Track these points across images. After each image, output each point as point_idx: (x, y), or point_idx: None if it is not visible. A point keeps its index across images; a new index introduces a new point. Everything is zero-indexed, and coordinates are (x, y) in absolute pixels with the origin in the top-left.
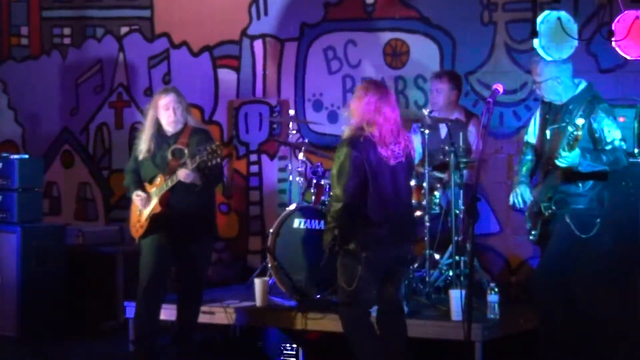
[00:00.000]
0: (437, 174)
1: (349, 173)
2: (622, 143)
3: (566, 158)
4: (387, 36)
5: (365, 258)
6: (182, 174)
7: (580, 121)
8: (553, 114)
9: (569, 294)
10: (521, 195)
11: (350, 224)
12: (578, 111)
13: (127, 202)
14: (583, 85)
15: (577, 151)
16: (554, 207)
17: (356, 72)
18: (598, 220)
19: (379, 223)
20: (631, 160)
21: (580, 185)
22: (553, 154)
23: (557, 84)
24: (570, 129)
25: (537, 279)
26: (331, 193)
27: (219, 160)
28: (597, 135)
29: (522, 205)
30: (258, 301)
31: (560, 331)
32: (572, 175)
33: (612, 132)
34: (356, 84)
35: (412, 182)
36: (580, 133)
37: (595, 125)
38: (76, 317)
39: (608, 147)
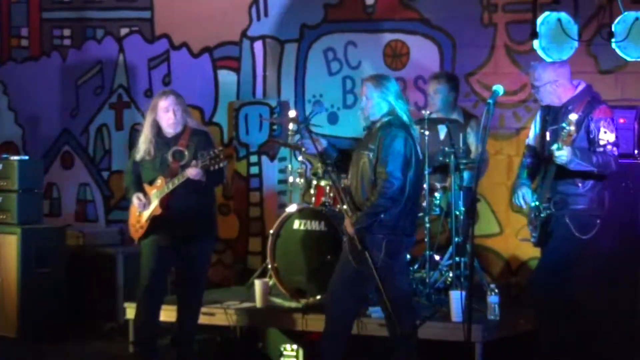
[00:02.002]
0: (437, 184)
1: (409, 161)
2: (614, 149)
3: (560, 157)
4: (387, 37)
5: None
6: (192, 172)
7: (573, 116)
8: (553, 115)
9: (569, 295)
10: (523, 197)
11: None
12: (577, 112)
13: (127, 204)
14: (582, 86)
15: (569, 148)
16: (553, 209)
17: (356, 73)
18: (598, 221)
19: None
20: (631, 161)
21: (580, 185)
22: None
23: (556, 87)
24: (564, 124)
25: (536, 280)
26: (372, 179)
27: (221, 165)
28: (591, 136)
29: (524, 206)
30: (258, 302)
31: (560, 332)
32: (566, 172)
33: (606, 135)
34: (356, 85)
35: None
36: (572, 128)
37: (592, 126)
38: (76, 318)
39: (600, 150)
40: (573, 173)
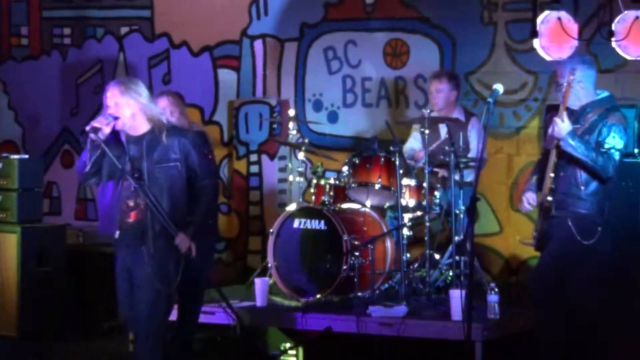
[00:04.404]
0: (435, 169)
1: None
2: (617, 155)
3: (560, 131)
4: (387, 36)
5: None
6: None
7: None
8: (569, 117)
9: (567, 295)
10: (528, 200)
11: None
12: (593, 115)
13: None
14: (605, 94)
15: (578, 141)
16: (553, 208)
17: (356, 72)
18: (599, 228)
19: None
20: (631, 160)
21: (582, 187)
22: None
23: (580, 89)
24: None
25: (534, 279)
26: None
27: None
28: (600, 138)
29: (530, 209)
30: (258, 301)
31: (558, 332)
32: (567, 168)
33: (614, 140)
34: (356, 84)
35: (412, 182)
36: (566, 84)
37: (604, 129)
38: (76, 317)
39: (602, 151)
40: (574, 171)
